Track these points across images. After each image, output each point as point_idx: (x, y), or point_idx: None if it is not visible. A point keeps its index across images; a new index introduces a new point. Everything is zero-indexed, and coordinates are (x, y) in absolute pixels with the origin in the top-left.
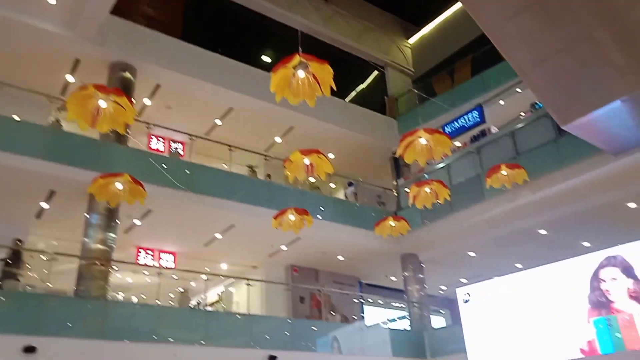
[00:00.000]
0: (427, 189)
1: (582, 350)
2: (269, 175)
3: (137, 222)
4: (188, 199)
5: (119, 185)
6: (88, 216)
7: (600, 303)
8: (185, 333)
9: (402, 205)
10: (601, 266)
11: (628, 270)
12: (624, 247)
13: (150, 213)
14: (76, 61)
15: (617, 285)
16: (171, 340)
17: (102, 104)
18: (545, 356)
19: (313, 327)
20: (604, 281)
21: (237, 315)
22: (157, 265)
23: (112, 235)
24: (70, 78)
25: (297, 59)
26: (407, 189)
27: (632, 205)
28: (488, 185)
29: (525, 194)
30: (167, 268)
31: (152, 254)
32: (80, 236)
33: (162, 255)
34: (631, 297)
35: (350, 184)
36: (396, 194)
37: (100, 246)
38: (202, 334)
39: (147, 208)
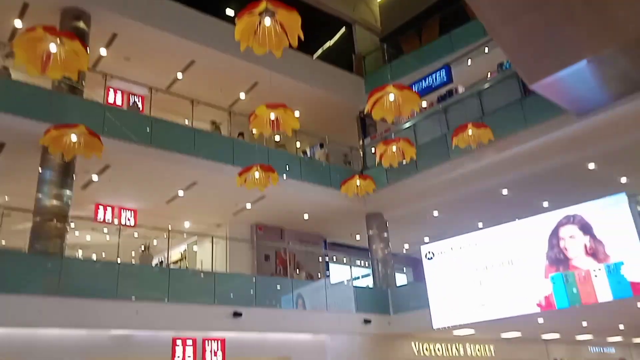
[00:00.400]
0: (394, 147)
1: (539, 305)
2: (241, 134)
3: (95, 177)
4: (148, 154)
5: (73, 137)
6: (41, 171)
7: (558, 260)
8: (148, 291)
9: (368, 165)
10: (560, 224)
11: (586, 228)
12: (583, 207)
13: (109, 169)
14: (24, 5)
15: (575, 243)
16: (133, 298)
17: (53, 48)
18: (504, 311)
19: (277, 285)
20: (563, 239)
21: (200, 273)
22: (117, 222)
23: (68, 191)
24: (18, 23)
25: (263, 4)
26: (373, 148)
27: (591, 166)
28: (454, 145)
29: (490, 153)
30: (127, 226)
31: (111, 211)
32: (34, 192)
33: (122, 212)
34: (588, 254)
35: (321, 145)
36: (362, 153)
37: (55, 202)
38: (165, 291)
39: (105, 163)
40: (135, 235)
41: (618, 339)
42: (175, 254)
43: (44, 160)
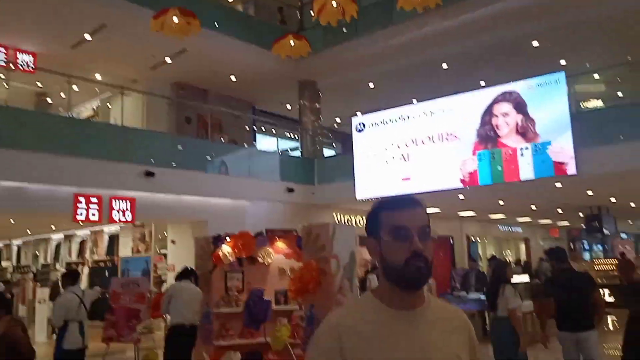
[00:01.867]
0: (334, 3)
1: (462, 181)
2: None
3: None
4: None
5: None
6: None
7: (488, 137)
8: (45, 141)
9: (304, 26)
10: (496, 101)
11: (520, 107)
12: (521, 84)
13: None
14: None
15: (507, 121)
16: (33, 148)
17: None
18: (428, 185)
19: (197, 147)
20: (496, 116)
21: (112, 125)
22: (11, 65)
23: None
24: None
25: None
26: (312, 10)
27: (535, 43)
28: (399, 6)
29: (436, 20)
30: (25, 70)
31: (5, 52)
32: None
33: (19, 54)
34: (518, 132)
35: None
36: (300, 12)
37: None
38: (70, 143)
39: None
40: (40, 85)
41: (526, 219)
42: (86, 110)
43: None
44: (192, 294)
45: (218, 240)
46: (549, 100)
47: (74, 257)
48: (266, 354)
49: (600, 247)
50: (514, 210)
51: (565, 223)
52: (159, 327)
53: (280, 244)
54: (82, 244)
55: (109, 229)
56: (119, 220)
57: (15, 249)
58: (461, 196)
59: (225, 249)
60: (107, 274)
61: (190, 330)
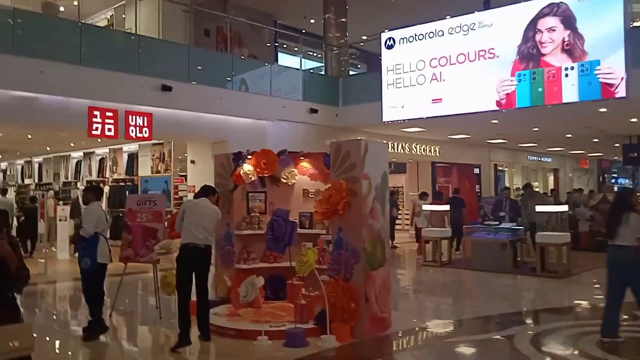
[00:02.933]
0: None
1: (498, 103)
2: None
3: None
4: None
5: None
6: None
7: (530, 55)
8: (56, 48)
9: None
10: (541, 15)
11: (568, 21)
12: None
13: None
14: None
15: (552, 37)
16: (45, 57)
17: None
18: (461, 107)
19: (217, 60)
20: (540, 31)
21: (124, 34)
22: None
23: None
24: None
25: None
26: None
27: None
28: None
29: None
30: None
31: None
32: None
33: None
34: (564, 50)
35: None
36: None
37: None
38: (78, 52)
39: None
40: None
41: (558, 149)
42: (100, 20)
43: None
44: (207, 211)
45: (239, 157)
46: (601, 15)
47: (94, 176)
48: (290, 278)
49: (629, 180)
50: (547, 138)
51: (598, 154)
52: (177, 248)
53: (305, 164)
54: (101, 162)
55: (128, 147)
56: (136, 136)
57: (36, 166)
58: (495, 120)
59: (247, 167)
60: (127, 193)
61: (202, 251)
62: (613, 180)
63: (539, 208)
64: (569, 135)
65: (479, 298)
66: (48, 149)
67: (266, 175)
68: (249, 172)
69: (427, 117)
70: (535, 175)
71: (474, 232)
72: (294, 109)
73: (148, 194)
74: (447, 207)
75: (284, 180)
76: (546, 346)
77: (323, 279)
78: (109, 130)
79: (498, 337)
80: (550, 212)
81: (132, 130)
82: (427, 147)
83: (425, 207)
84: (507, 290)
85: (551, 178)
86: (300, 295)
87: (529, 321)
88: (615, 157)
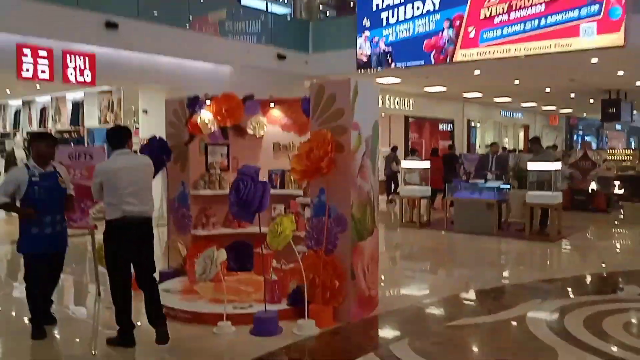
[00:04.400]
0: None
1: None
2: None
3: None
4: None
5: None
6: None
7: None
8: None
9: None
10: None
11: None
12: None
13: None
14: None
15: None
16: None
17: None
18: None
19: None
20: None
21: None
22: None
23: None
24: None
25: None
26: None
27: None
28: None
29: None
30: None
31: None
32: None
33: None
34: None
35: None
36: None
37: None
38: None
39: None
40: None
41: (531, 104)
42: None
43: None
44: (138, 171)
45: (195, 103)
46: None
47: (35, 126)
48: (258, 246)
49: (593, 138)
50: (524, 93)
51: (568, 110)
52: None
53: (276, 112)
54: (43, 111)
55: (73, 95)
56: (76, 80)
57: None
58: (477, 71)
59: (205, 115)
60: (72, 146)
61: (148, 222)
62: (577, 138)
63: (532, 165)
64: (548, 90)
65: (470, 265)
66: None
67: (229, 125)
68: (207, 121)
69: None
70: (505, 131)
71: (456, 191)
72: (260, 54)
73: (86, 146)
74: (425, 165)
75: (251, 132)
76: (571, 328)
77: (300, 249)
78: (43, 72)
79: (508, 318)
80: (544, 170)
81: (71, 73)
82: (401, 99)
83: (415, 164)
84: (500, 256)
85: (521, 134)
86: (271, 268)
87: (537, 296)
88: (585, 114)
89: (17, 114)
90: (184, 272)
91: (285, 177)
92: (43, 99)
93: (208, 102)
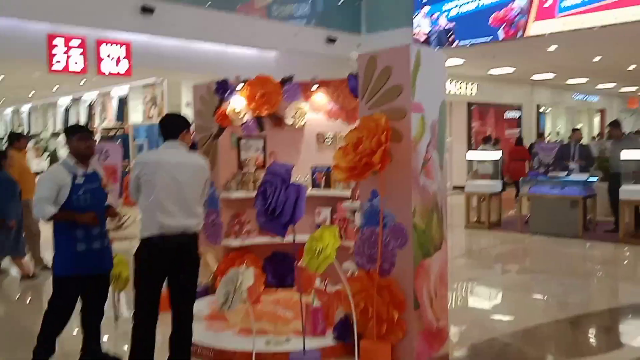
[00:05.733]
0: None
1: None
2: None
3: None
4: None
5: None
6: None
7: None
8: None
9: None
10: None
11: None
12: None
13: None
14: None
15: None
16: None
17: None
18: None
19: None
20: None
21: None
22: None
23: None
24: None
25: None
26: None
27: None
28: None
29: None
30: None
31: None
32: None
33: None
34: None
35: None
36: None
37: None
38: None
39: None
40: None
41: (609, 85)
42: None
43: None
44: (186, 170)
45: (225, 88)
46: None
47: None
48: (300, 258)
49: None
50: (604, 71)
51: None
52: (135, 219)
53: (320, 97)
54: (90, 108)
55: (119, 91)
56: (110, 72)
57: (25, 116)
58: (552, 47)
59: (237, 102)
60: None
61: (189, 243)
62: None
63: (627, 154)
64: (632, 67)
65: (560, 279)
66: (30, 95)
67: (265, 113)
68: (239, 110)
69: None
70: (579, 117)
71: (532, 185)
72: (308, 37)
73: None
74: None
75: (290, 121)
76: None
77: (347, 268)
78: (76, 63)
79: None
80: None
81: (106, 64)
82: (463, 84)
83: (487, 155)
84: (595, 266)
85: (597, 120)
86: (313, 290)
87: None
88: None
89: (66, 112)
90: (214, 290)
91: (331, 175)
92: (90, 96)
93: (240, 86)
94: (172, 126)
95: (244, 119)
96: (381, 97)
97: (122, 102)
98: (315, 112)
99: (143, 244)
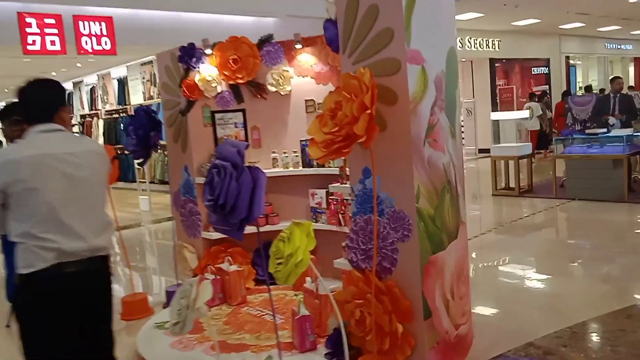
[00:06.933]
0: None
1: None
2: None
3: None
4: None
5: None
6: None
7: None
8: None
9: None
10: None
11: None
12: None
13: None
14: None
15: None
16: None
17: None
18: None
19: None
20: None
21: None
22: None
23: None
24: None
25: None
26: None
27: None
28: None
29: None
30: None
31: None
32: None
33: None
34: None
35: None
36: None
37: None
38: None
39: None
40: None
41: None
42: None
43: None
44: (85, 163)
45: (191, 53)
46: None
47: (86, 109)
48: None
49: None
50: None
51: None
52: None
53: (306, 58)
54: (92, 92)
55: (118, 71)
56: (93, 49)
57: None
58: None
59: (207, 69)
60: (121, 127)
61: (98, 272)
62: None
63: None
64: None
65: (608, 254)
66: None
67: (242, 81)
68: (211, 79)
69: None
70: (612, 67)
71: (567, 144)
72: (311, 1)
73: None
74: None
75: (273, 88)
76: None
77: (339, 264)
78: (52, 43)
79: None
80: None
81: (86, 42)
82: (484, 40)
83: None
84: None
85: (632, 69)
86: (303, 296)
87: None
88: None
89: (69, 97)
90: None
91: None
92: (91, 79)
93: (209, 51)
94: (41, 102)
95: (218, 89)
96: (367, 47)
97: (122, 84)
98: (301, 76)
99: (24, 283)
